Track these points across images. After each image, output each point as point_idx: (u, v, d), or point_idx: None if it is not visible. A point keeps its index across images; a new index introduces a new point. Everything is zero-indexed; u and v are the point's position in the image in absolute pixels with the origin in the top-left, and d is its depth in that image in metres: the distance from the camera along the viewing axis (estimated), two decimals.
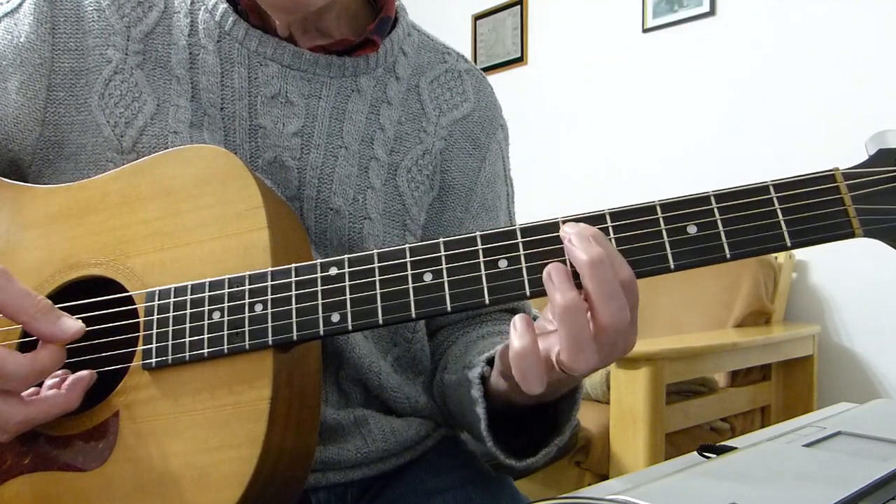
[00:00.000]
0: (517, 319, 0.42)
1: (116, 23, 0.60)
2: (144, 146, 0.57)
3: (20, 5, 0.59)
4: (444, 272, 0.44)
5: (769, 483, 0.52)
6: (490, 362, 0.53)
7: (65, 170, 0.59)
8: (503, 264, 0.44)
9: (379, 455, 0.62)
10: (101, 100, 0.58)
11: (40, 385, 0.48)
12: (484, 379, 0.53)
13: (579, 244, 0.41)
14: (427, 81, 0.69)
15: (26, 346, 0.50)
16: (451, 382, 0.60)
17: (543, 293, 0.43)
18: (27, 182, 0.59)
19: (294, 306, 0.46)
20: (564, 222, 0.43)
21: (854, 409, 0.80)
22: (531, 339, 0.41)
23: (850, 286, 1.95)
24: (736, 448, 0.62)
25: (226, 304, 0.47)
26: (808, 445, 0.61)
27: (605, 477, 1.52)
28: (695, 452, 0.65)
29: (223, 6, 0.61)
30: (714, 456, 0.62)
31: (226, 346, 0.47)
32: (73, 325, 0.45)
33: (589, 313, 0.41)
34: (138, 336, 0.49)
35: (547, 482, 1.63)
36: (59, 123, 0.58)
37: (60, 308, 0.46)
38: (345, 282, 0.46)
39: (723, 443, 0.65)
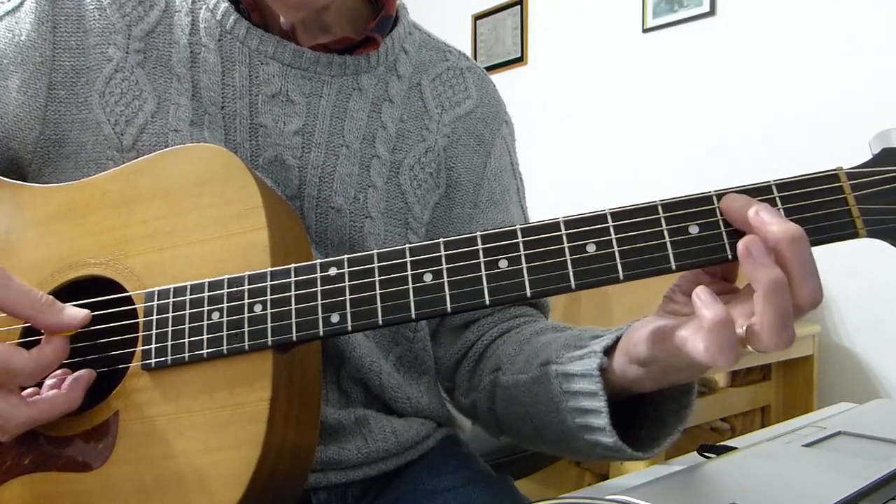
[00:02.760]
0: (700, 291, 0.39)
1: (117, 21, 0.59)
2: (145, 144, 0.57)
3: (21, 4, 0.59)
4: (445, 272, 0.44)
5: (769, 483, 0.52)
6: (606, 352, 0.50)
7: (65, 168, 0.59)
8: (503, 264, 0.43)
9: (380, 455, 0.62)
10: (102, 98, 0.58)
11: (40, 385, 0.48)
12: (601, 371, 0.49)
13: (772, 219, 0.39)
14: (429, 79, 0.68)
15: (26, 347, 0.50)
16: (518, 382, 0.57)
17: (544, 294, 0.43)
18: (27, 180, 0.59)
19: (293, 307, 0.46)
20: (721, 196, 0.41)
21: (854, 409, 0.80)
22: (725, 309, 0.38)
23: (850, 286, 1.95)
24: (736, 448, 0.62)
25: (225, 305, 0.47)
26: (808, 445, 0.61)
27: (605, 477, 1.52)
28: (695, 452, 0.65)
29: (224, 5, 0.61)
30: (714, 456, 0.62)
31: (225, 347, 0.47)
32: (78, 313, 0.46)
33: None
34: (138, 336, 0.49)
35: (547, 482, 1.63)
36: (60, 122, 0.58)
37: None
38: (344, 282, 0.46)
39: (723, 443, 0.65)
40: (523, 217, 0.74)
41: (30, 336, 0.50)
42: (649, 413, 0.53)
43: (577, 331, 0.58)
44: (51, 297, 0.45)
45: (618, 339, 0.50)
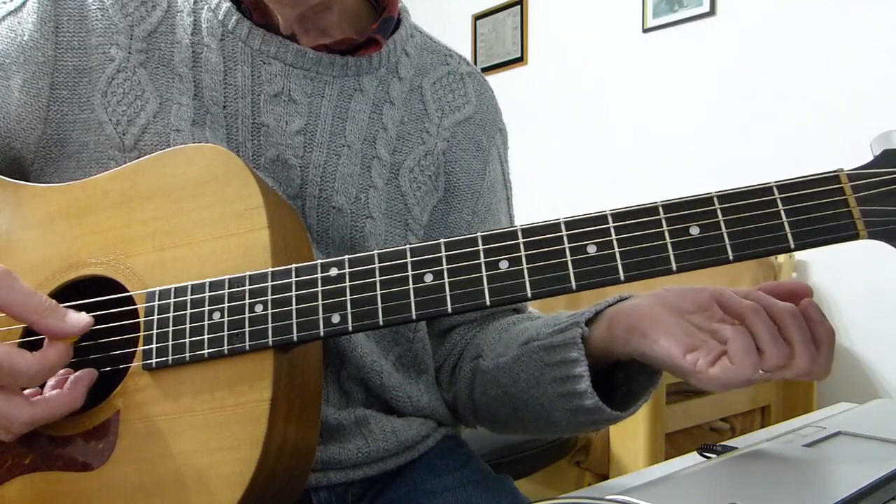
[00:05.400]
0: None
1: (120, 21, 0.60)
2: (146, 144, 0.57)
3: (24, 4, 0.59)
4: (445, 273, 0.44)
5: (769, 483, 0.52)
6: (588, 323, 0.55)
7: (67, 168, 0.59)
8: (504, 265, 0.44)
9: (380, 455, 0.62)
10: (104, 98, 0.58)
11: (42, 385, 0.48)
12: (583, 340, 0.54)
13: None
14: (430, 83, 0.69)
15: (26, 346, 0.50)
16: (500, 364, 0.61)
17: (544, 295, 0.43)
18: (29, 180, 0.59)
19: (294, 307, 0.46)
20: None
21: (854, 409, 0.80)
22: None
23: (850, 286, 1.95)
24: (736, 448, 0.62)
25: (226, 305, 0.47)
26: (808, 445, 0.61)
27: (605, 477, 1.52)
28: (695, 452, 0.65)
29: (226, 5, 0.61)
30: (714, 456, 0.61)
31: (226, 347, 0.47)
32: (81, 319, 0.46)
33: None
34: (138, 336, 0.49)
35: (547, 482, 1.63)
36: (62, 122, 0.58)
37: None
38: (345, 282, 0.46)
39: (723, 443, 0.65)
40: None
41: (30, 336, 0.50)
42: (619, 379, 0.57)
43: (553, 314, 0.62)
44: (54, 301, 0.45)
45: (597, 313, 0.55)
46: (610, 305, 0.55)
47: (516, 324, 0.65)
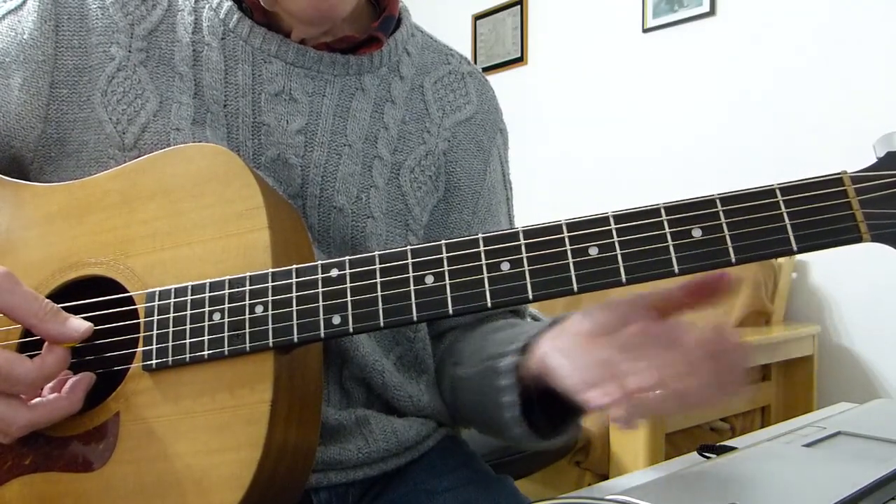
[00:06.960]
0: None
1: (120, 20, 0.59)
2: (146, 143, 0.57)
3: (24, 2, 0.59)
4: (446, 274, 0.44)
5: (769, 483, 0.52)
6: (523, 350, 0.52)
7: (67, 167, 0.58)
8: (505, 267, 0.43)
9: (380, 455, 0.62)
10: (104, 97, 0.58)
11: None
12: (517, 367, 0.53)
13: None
14: (431, 82, 0.69)
15: (26, 346, 0.50)
16: (467, 375, 0.61)
17: (545, 297, 0.43)
18: (29, 179, 0.59)
19: (295, 308, 0.46)
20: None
21: (854, 409, 0.80)
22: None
23: (850, 286, 1.95)
24: (736, 448, 0.62)
25: (226, 305, 0.47)
26: (808, 445, 0.61)
27: (605, 477, 1.52)
28: (695, 452, 0.65)
29: (227, 4, 0.61)
30: (714, 456, 0.62)
31: (226, 348, 0.46)
32: (80, 325, 0.46)
33: None
34: (138, 337, 0.49)
35: (547, 482, 1.63)
36: (62, 120, 0.58)
37: (61, 308, 0.46)
38: (346, 283, 0.46)
39: (723, 443, 0.65)
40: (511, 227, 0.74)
41: (30, 336, 0.50)
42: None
43: (526, 325, 0.61)
44: (56, 306, 0.45)
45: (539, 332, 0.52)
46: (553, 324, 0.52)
47: (499, 331, 0.64)
